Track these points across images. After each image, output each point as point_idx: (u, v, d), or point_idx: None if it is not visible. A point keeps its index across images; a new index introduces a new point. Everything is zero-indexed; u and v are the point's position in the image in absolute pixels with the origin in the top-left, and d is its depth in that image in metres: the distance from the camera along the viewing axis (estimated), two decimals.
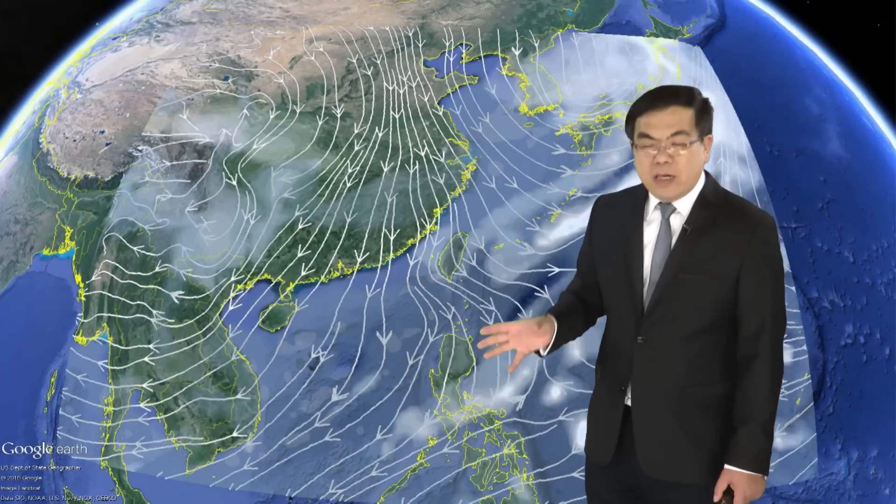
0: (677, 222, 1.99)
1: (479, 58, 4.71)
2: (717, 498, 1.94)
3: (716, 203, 1.98)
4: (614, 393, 2.04)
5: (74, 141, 4.70)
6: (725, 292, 1.93)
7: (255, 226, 4.26)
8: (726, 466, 1.94)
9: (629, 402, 2.02)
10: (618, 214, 2.08)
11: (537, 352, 2.07)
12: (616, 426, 2.03)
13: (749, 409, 1.92)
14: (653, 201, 2.03)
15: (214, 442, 3.98)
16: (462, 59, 4.70)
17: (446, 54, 4.72)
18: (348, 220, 4.29)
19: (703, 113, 1.96)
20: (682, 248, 1.96)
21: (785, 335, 1.99)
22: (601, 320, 2.22)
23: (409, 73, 4.65)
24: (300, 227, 4.26)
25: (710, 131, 1.98)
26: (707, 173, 2.03)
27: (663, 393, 1.97)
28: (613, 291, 2.07)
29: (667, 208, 2.00)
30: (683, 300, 1.95)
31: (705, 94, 2.03)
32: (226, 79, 4.67)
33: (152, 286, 4.21)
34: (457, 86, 4.61)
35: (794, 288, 4.25)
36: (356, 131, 4.50)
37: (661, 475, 1.99)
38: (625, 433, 2.03)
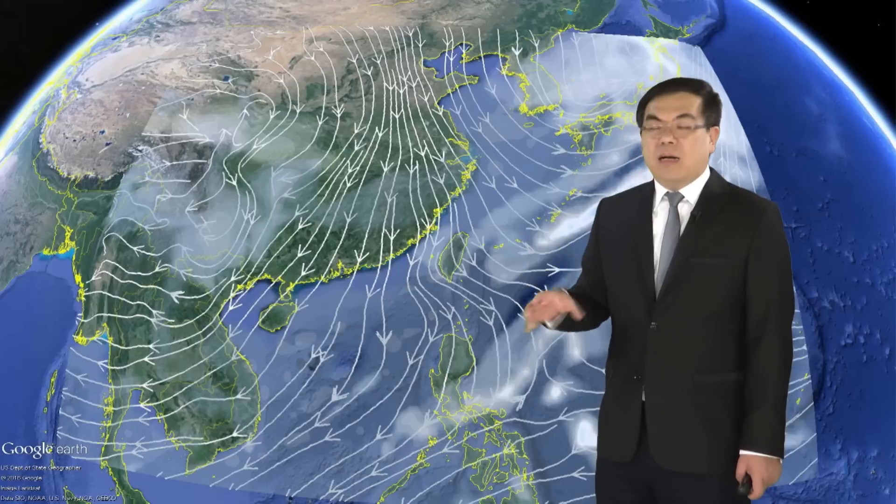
0: (685, 210, 2.04)
1: (479, 58, 4.71)
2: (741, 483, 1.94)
3: (722, 192, 2.04)
4: (629, 384, 2.05)
5: (74, 141, 4.71)
6: (735, 276, 1.97)
7: (255, 226, 4.27)
8: (741, 452, 1.94)
9: (644, 395, 2.03)
10: (625, 210, 2.13)
11: (544, 323, 2.07)
12: (636, 418, 2.03)
13: (759, 391, 1.94)
14: (659, 194, 2.08)
15: (214, 442, 3.98)
16: (462, 59, 4.70)
17: (446, 54, 4.72)
18: (348, 220, 4.29)
19: (711, 104, 2.03)
20: (692, 233, 2.00)
21: (791, 319, 2.01)
22: (605, 324, 2.24)
23: (409, 73, 4.65)
24: (300, 227, 4.26)
25: (716, 123, 2.04)
26: (711, 168, 2.08)
27: (677, 379, 1.98)
28: (623, 283, 2.09)
29: (674, 197, 2.05)
30: (695, 284, 1.98)
31: None
32: (226, 79, 4.67)
33: (152, 286, 4.21)
34: (457, 86, 4.61)
35: (794, 288, 4.24)
36: (356, 131, 4.50)
37: (676, 466, 1.98)
38: (640, 427, 2.04)
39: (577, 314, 2.04)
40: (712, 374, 1.97)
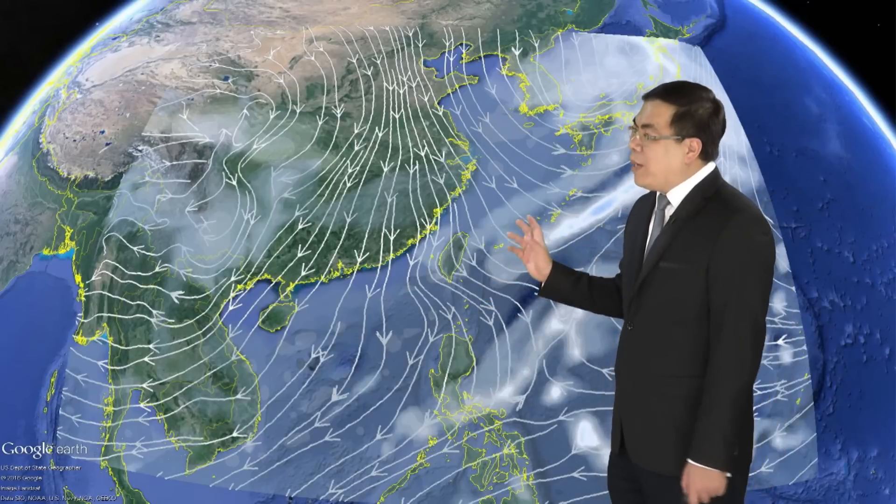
0: (669, 213, 2.04)
1: (479, 58, 4.71)
2: (685, 491, 1.92)
3: (705, 197, 2.00)
4: (615, 381, 2.11)
5: (74, 141, 4.71)
6: (700, 283, 1.94)
7: (255, 226, 4.27)
8: (687, 459, 1.93)
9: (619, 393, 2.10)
10: (640, 210, 2.16)
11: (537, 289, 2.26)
12: (618, 414, 2.11)
13: (707, 402, 1.91)
14: (658, 194, 2.09)
15: (214, 442, 3.98)
16: (462, 59, 4.70)
17: (446, 54, 4.72)
18: (348, 220, 4.29)
19: (687, 116, 1.98)
20: (663, 237, 2.01)
21: (754, 329, 1.92)
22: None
23: (409, 73, 4.65)
24: (300, 227, 4.26)
25: (693, 135, 1.99)
26: (715, 168, 2.05)
27: (647, 381, 2.01)
28: (624, 282, 2.15)
29: (662, 200, 2.06)
30: (662, 289, 1.99)
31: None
32: (226, 79, 4.67)
33: (152, 286, 4.21)
34: (457, 86, 4.61)
35: (794, 288, 4.25)
36: (356, 131, 4.50)
37: (646, 465, 2.02)
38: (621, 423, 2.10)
39: (539, 271, 2.23)
40: (682, 379, 1.97)
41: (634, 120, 2.04)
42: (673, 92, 2.02)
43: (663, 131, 1.98)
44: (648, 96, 2.04)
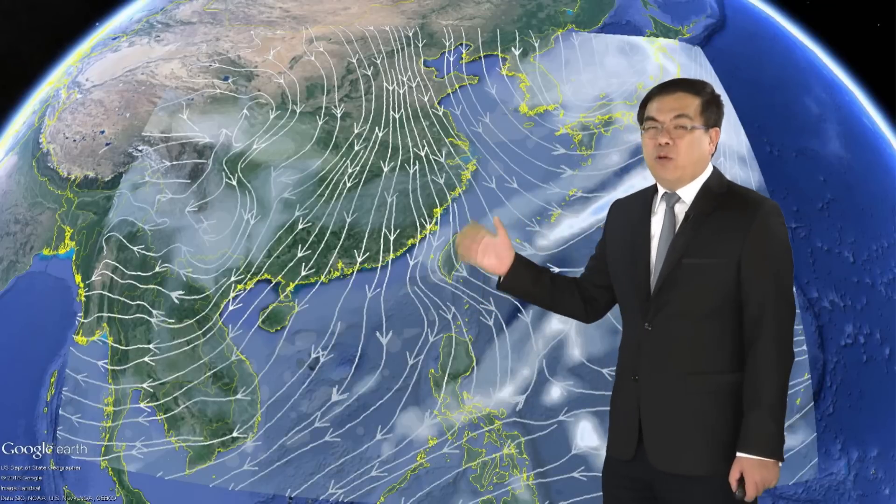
0: (681, 211, 2.04)
1: (479, 58, 4.71)
2: (734, 487, 1.91)
3: (719, 192, 2.02)
4: (628, 383, 2.06)
5: (74, 141, 4.71)
6: (729, 276, 1.95)
7: (255, 226, 4.27)
8: (737, 454, 1.92)
9: (640, 396, 2.04)
10: (629, 212, 2.15)
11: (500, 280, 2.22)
12: (634, 418, 2.03)
13: (754, 393, 1.91)
14: (660, 193, 2.08)
15: (214, 442, 3.98)
16: (462, 59, 4.70)
17: (446, 54, 4.72)
18: (348, 220, 4.29)
19: (711, 105, 2.03)
20: (684, 233, 2.00)
21: (791, 317, 1.97)
22: (604, 324, 2.25)
23: (409, 73, 4.65)
24: (300, 227, 4.26)
25: (716, 124, 2.04)
26: (715, 167, 2.08)
27: (671, 381, 1.98)
28: (623, 284, 2.11)
29: (671, 198, 2.05)
30: (687, 285, 1.97)
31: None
32: (226, 79, 4.67)
33: (152, 286, 4.21)
34: (457, 86, 4.61)
35: (794, 288, 4.24)
36: (356, 131, 4.50)
37: (670, 468, 1.97)
38: (639, 427, 2.04)
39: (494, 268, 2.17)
40: (707, 376, 1.96)
41: (652, 117, 2.03)
42: (690, 84, 2.05)
43: (696, 121, 2.00)
44: (669, 90, 2.04)
